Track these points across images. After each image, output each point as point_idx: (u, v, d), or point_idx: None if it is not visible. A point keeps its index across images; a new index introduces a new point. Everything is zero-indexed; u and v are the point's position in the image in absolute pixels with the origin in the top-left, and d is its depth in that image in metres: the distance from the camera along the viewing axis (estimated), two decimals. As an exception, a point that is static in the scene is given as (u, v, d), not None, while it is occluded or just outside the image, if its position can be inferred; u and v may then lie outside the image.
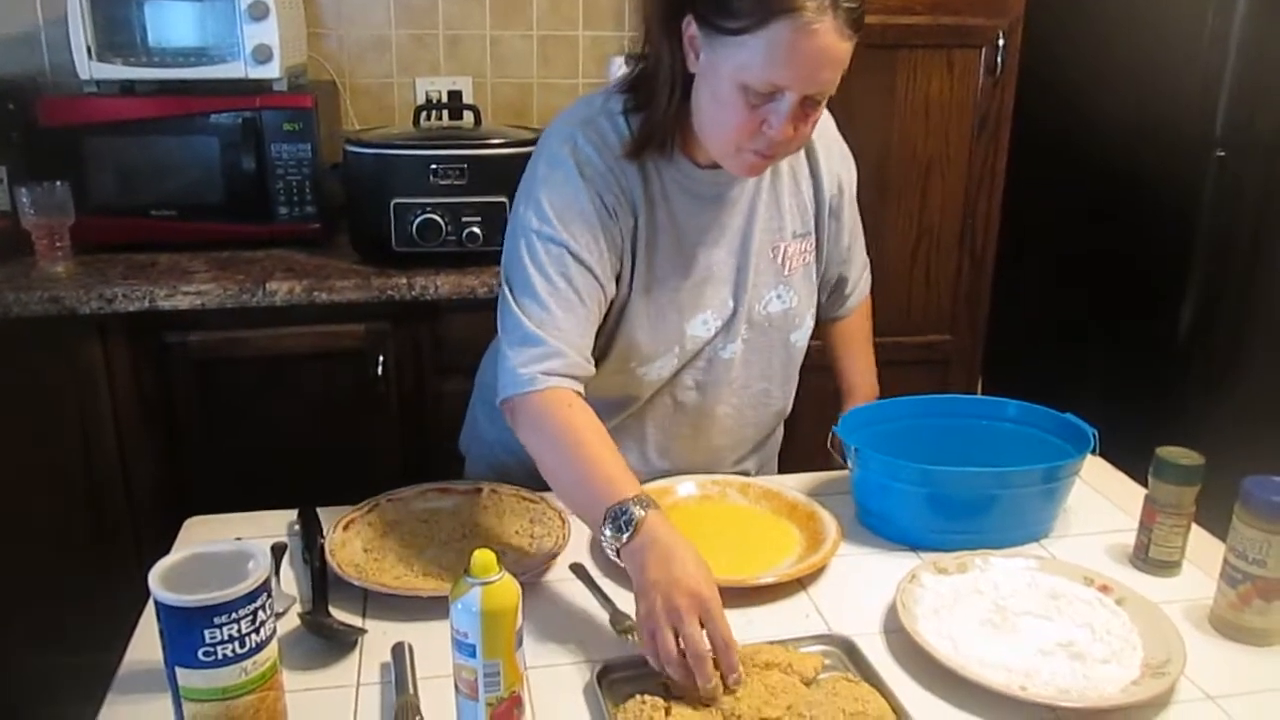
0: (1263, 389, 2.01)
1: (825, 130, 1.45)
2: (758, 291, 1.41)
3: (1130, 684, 1.04)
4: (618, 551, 1.10)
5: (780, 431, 1.62)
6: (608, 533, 1.10)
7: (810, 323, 1.50)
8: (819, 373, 1.62)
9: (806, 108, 1.19)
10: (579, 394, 1.25)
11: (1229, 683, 1.07)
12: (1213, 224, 1.92)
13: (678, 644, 1.01)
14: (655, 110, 1.27)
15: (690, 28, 1.20)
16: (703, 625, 1.01)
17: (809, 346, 1.52)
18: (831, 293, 1.61)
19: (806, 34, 1.11)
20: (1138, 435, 1.39)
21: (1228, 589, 1.14)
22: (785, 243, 1.42)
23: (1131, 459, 1.34)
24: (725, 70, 1.17)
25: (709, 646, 1.00)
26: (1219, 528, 1.17)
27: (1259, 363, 2.01)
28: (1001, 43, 2.13)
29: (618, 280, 1.34)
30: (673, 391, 1.44)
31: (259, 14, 2.13)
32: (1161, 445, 1.26)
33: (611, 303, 1.35)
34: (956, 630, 1.12)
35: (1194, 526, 1.28)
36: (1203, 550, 1.28)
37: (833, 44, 1.13)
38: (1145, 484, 1.27)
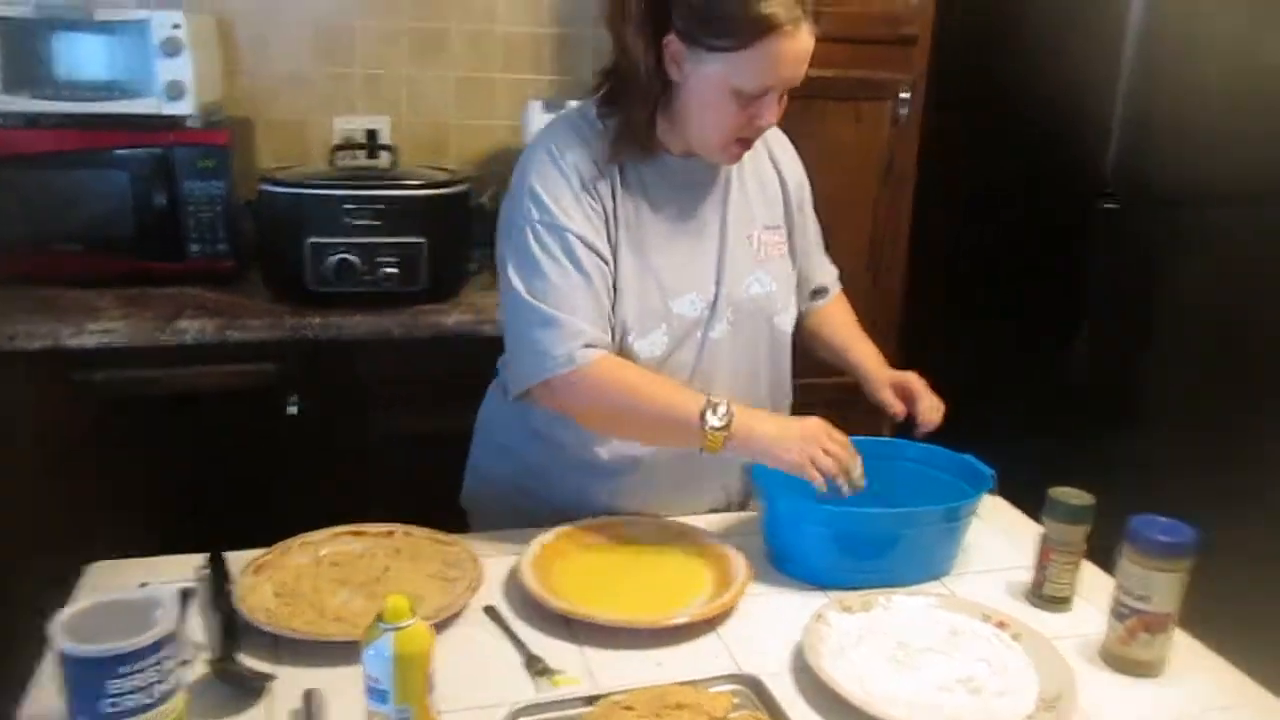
0: (1153, 430, 2.10)
1: (779, 138, 1.61)
2: (737, 275, 1.50)
3: (1025, 717, 1.08)
4: (726, 439, 1.32)
5: None
6: (714, 423, 1.32)
7: (793, 310, 1.59)
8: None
9: (783, 95, 1.38)
10: (611, 356, 1.38)
11: (1118, 714, 1.12)
12: (1105, 272, 2.01)
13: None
14: (633, 115, 1.40)
15: (672, 45, 1.34)
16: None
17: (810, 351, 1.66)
18: (811, 298, 1.69)
19: (789, 41, 1.30)
20: (1036, 475, 1.45)
21: (1116, 623, 1.20)
22: (758, 231, 1.53)
23: (1031, 498, 1.40)
24: (717, 78, 1.33)
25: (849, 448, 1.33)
26: (1114, 564, 1.22)
27: (1151, 406, 2.10)
28: (906, 95, 2.22)
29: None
30: (674, 375, 1.48)
31: (172, 50, 2.11)
32: (1056, 485, 1.32)
33: None
34: (861, 668, 1.15)
35: (1087, 563, 1.33)
36: (1095, 586, 1.33)
37: (807, 44, 1.32)
38: (1041, 522, 1.33)
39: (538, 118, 2.39)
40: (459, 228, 2.24)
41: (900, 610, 1.26)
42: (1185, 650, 1.24)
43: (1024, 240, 2.22)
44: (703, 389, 1.47)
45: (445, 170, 2.34)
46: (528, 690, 1.11)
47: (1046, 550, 1.31)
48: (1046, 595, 1.32)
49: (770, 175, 1.57)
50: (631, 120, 1.40)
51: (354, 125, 2.60)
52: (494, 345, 2.11)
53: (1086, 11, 1.99)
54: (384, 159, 2.39)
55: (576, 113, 1.47)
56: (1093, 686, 1.15)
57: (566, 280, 1.37)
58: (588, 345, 1.35)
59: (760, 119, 1.36)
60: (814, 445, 1.31)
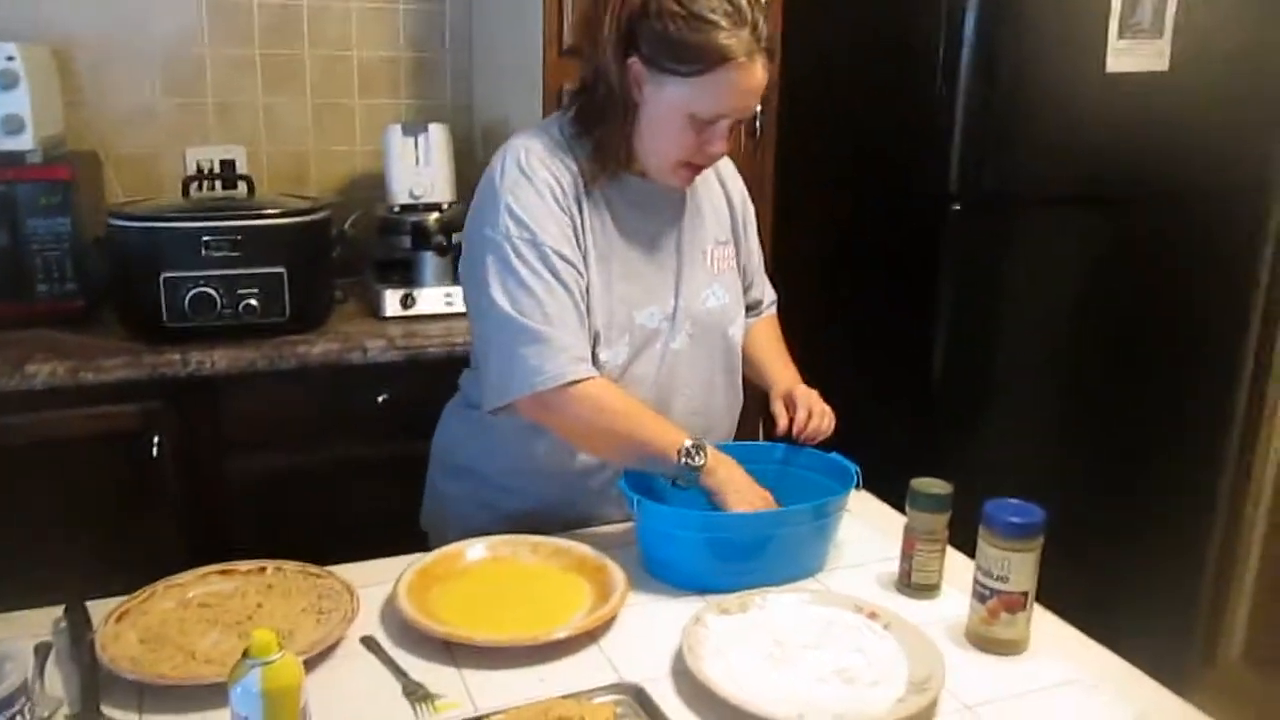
0: (1004, 419, 2.20)
1: (724, 160, 1.66)
2: (695, 288, 1.57)
3: (896, 702, 1.11)
4: (698, 477, 1.39)
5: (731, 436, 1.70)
6: (689, 462, 1.38)
7: (742, 321, 1.67)
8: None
9: (735, 125, 1.45)
10: (600, 376, 1.44)
11: (985, 692, 1.16)
12: (953, 270, 2.10)
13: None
14: (610, 133, 1.45)
15: (635, 66, 1.40)
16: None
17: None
18: (746, 314, 1.73)
19: (743, 73, 1.36)
20: (899, 468, 1.50)
21: (978, 605, 1.25)
22: (710, 246, 1.61)
23: (897, 491, 1.45)
24: (673, 102, 1.39)
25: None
26: (973, 548, 1.27)
27: (1001, 396, 2.20)
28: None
29: None
30: (637, 386, 1.52)
31: (8, 83, 2.03)
32: (918, 476, 1.37)
33: None
34: (739, 667, 1.17)
35: (952, 550, 1.39)
36: (959, 572, 1.38)
37: (760, 76, 1.39)
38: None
39: (398, 141, 2.38)
40: (321, 256, 2.20)
41: (776, 608, 1.28)
42: (1047, 628, 1.30)
43: (881, 243, 2.30)
44: (663, 399, 1.54)
45: (305, 198, 2.30)
46: (409, 718, 1.10)
47: (911, 540, 1.36)
48: (915, 584, 1.37)
49: (719, 193, 1.65)
50: (609, 140, 1.46)
51: (208, 155, 2.54)
52: (363, 374, 2.10)
53: (924, 19, 2.08)
54: (241, 189, 2.34)
55: (543, 128, 1.52)
56: (961, 667, 1.20)
57: (552, 295, 1.41)
58: (576, 360, 1.40)
59: (711, 145, 1.42)
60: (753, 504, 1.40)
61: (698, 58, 1.35)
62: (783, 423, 1.57)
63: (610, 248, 1.50)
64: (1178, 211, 2.26)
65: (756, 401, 1.72)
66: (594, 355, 1.48)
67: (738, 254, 1.67)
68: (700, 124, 1.40)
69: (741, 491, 1.40)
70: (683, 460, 1.38)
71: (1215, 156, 2.26)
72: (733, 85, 1.36)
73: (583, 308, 1.45)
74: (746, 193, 1.72)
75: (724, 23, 1.33)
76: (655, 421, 1.44)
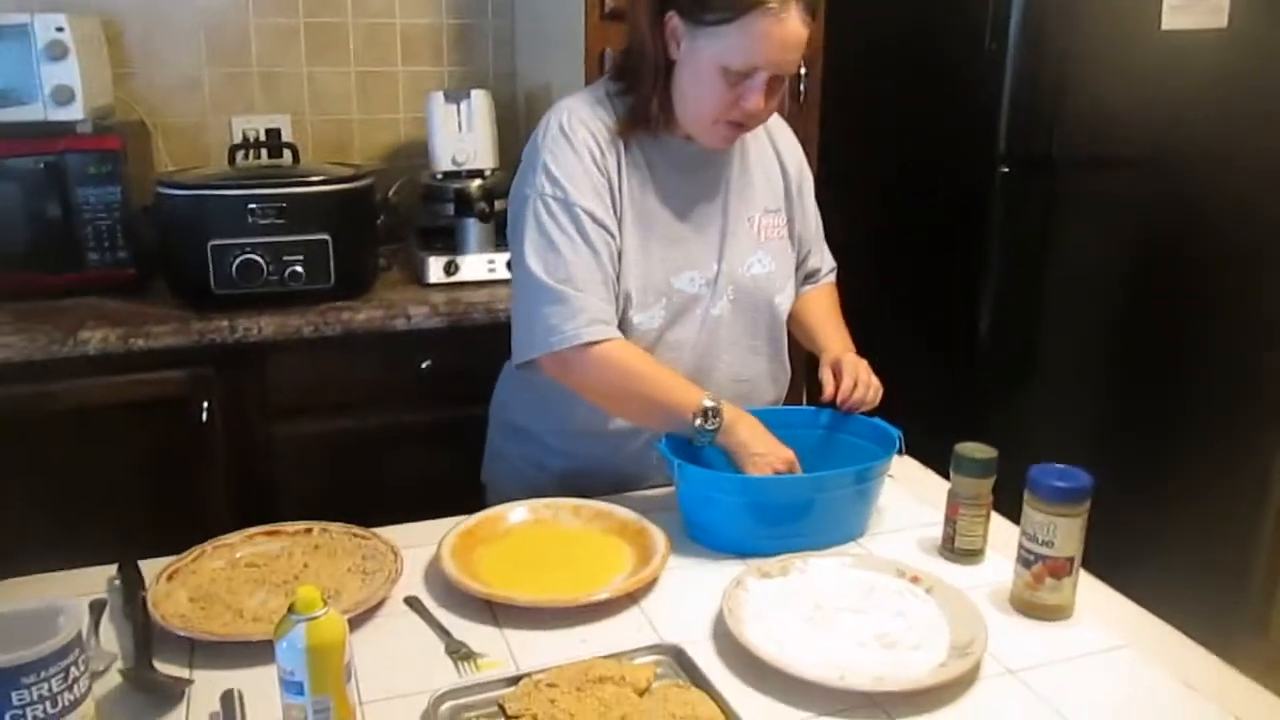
0: (1051, 384, 2.17)
1: (781, 126, 1.68)
2: (739, 255, 1.57)
3: (938, 666, 1.11)
4: (712, 437, 1.40)
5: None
6: (703, 425, 1.39)
7: (791, 290, 1.66)
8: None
9: (774, 84, 1.42)
10: (621, 337, 1.45)
11: (1028, 657, 1.15)
12: (1001, 234, 2.07)
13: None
14: (642, 94, 1.47)
15: (672, 20, 1.42)
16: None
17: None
18: (801, 283, 1.73)
19: (776, 22, 1.35)
20: (942, 433, 1.48)
21: (1023, 570, 1.23)
22: (759, 214, 1.60)
23: (940, 456, 1.43)
24: (706, 55, 1.39)
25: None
26: (1018, 514, 1.26)
27: (1048, 361, 2.16)
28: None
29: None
30: (669, 350, 1.53)
31: (57, 54, 2.05)
32: (962, 441, 1.35)
33: None
34: (779, 630, 1.17)
35: (994, 515, 1.37)
36: (1003, 537, 1.36)
37: (796, 29, 1.37)
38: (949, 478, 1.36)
39: (441, 108, 2.38)
40: (365, 223, 2.22)
41: (817, 572, 1.28)
42: (1092, 592, 1.28)
43: (928, 207, 2.27)
44: (703, 365, 1.56)
45: (349, 166, 2.31)
46: (451, 677, 1.11)
47: (955, 505, 1.35)
48: (958, 549, 1.36)
49: (771, 160, 1.64)
50: (641, 98, 1.47)
51: (253, 125, 2.56)
52: (406, 340, 2.12)
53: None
54: (286, 158, 2.35)
55: (590, 89, 1.55)
56: (1004, 632, 1.19)
57: (577, 255, 1.43)
58: (594, 322, 1.41)
59: (746, 101, 1.40)
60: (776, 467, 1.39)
61: (729, 3, 1.35)
62: (829, 390, 1.55)
63: (650, 210, 1.50)
64: (1234, 173, 2.20)
65: (805, 368, 1.71)
66: (627, 318, 1.49)
67: (790, 223, 1.65)
68: (735, 77, 1.39)
69: (763, 454, 1.39)
70: (697, 421, 1.39)
71: (1275, 117, 2.20)
72: (765, 34, 1.35)
73: (611, 269, 1.45)
74: (805, 161, 1.70)
75: None
76: (673, 381, 1.44)
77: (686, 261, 1.53)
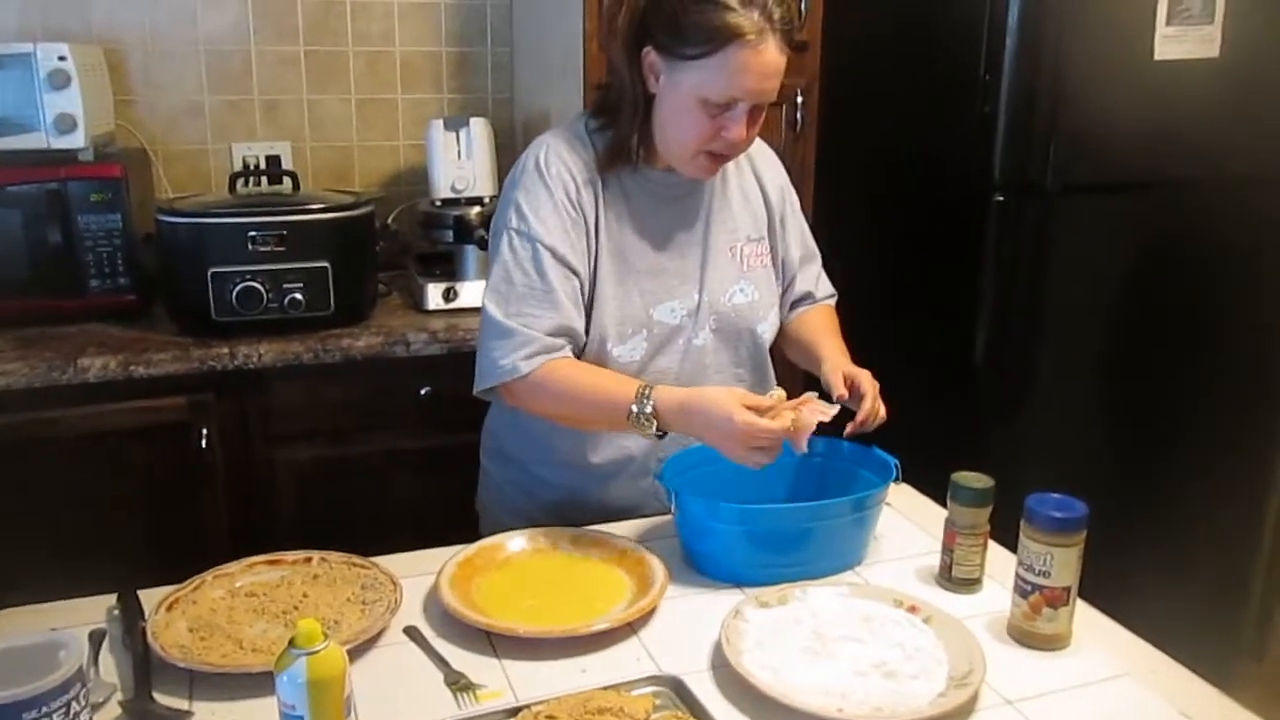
0: (1047, 411, 2.17)
1: (762, 149, 1.68)
2: (721, 285, 1.57)
3: (937, 696, 1.11)
4: (661, 435, 1.40)
5: None
6: (642, 426, 1.38)
7: (775, 319, 1.66)
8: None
9: (754, 113, 1.43)
10: (561, 357, 1.45)
11: (1026, 687, 1.15)
12: (997, 261, 2.08)
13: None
14: (622, 128, 1.48)
15: (650, 55, 1.42)
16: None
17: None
18: (794, 306, 1.73)
19: (754, 53, 1.36)
20: (939, 461, 1.49)
21: (1020, 600, 1.24)
22: (741, 244, 1.60)
23: (937, 484, 1.44)
24: (685, 88, 1.40)
25: (776, 426, 1.32)
26: (1015, 541, 1.26)
27: (1044, 388, 2.17)
28: (800, 99, 2.26)
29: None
30: (660, 381, 1.51)
31: (60, 83, 2.07)
32: (959, 470, 1.36)
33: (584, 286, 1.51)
34: (778, 660, 1.17)
35: (993, 544, 1.38)
36: (1001, 566, 1.37)
37: (774, 59, 1.38)
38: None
39: (440, 136, 2.39)
40: (365, 250, 2.23)
41: (815, 601, 1.28)
42: (1090, 623, 1.29)
43: (923, 234, 2.29)
44: None
45: (349, 193, 2.32)
46: (451, 708, 1.11)
47: (952, 534, 1.35)
48: (956, 578, 1.36)
49: (753, 187, 1.64)
50: (620, 134, 1.48)
51: (254, 152, 2.58)
52: (406, 366, 2.13)
53: (967, 6, 2.06)
54: (286, 185, 2.37)
55: (568, 125, 1.55)
56: (1002, 662, 1.19)
57: (530, 288, 1.45)
58: (535, 354, 1.43)
59: (728, 132, 1.41)
60: (746, 444, 1.33)
61: (706, 38, 1.35)
62: (843, 393, 1.50)
63: (628, 244, 1.52)
64: (1227, 201, 2.22)
65: (800, 388, 1.70)
66: (607, 352, 1.50)
67: (774, 250, 1.66)
68: (715, 109, 1.40)
69: (728, 437, 1.34)
70: (634, 412, 1.38)
71: (1267, 145, 2.22)
72: (743, 65, 1.36)
73: (568, 304, 1.46)
74: (788, 185, 1.70)
75: (732, 2, 1.34)
76: (614, 381, 1.44)
77: (666, 293, 1.54)
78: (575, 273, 1.48)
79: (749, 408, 1.34)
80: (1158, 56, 2.06)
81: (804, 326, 1.71)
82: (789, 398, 1.39)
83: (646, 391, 1.39)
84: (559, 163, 1.48)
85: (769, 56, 1.37)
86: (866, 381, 1.53)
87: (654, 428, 1.39)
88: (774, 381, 1.68)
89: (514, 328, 1.43)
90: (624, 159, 1.50)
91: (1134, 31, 2.04)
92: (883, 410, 1.52)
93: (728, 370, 1.61)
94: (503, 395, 1.48)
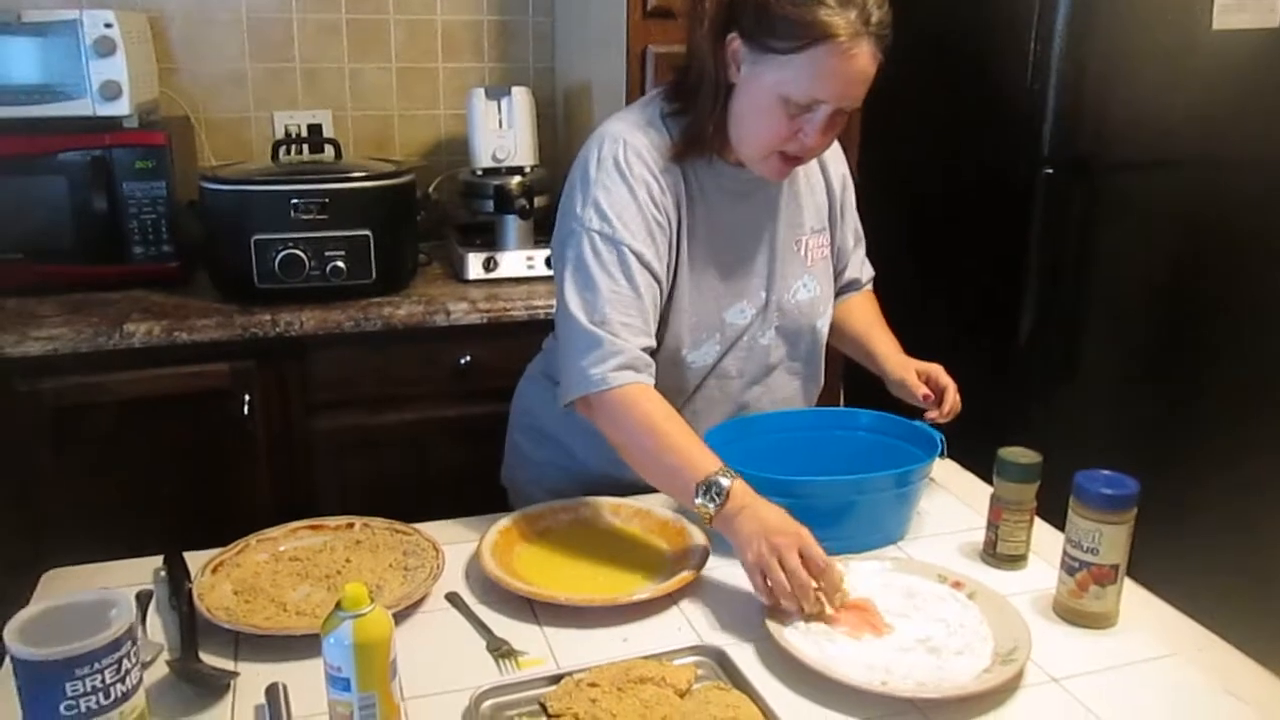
0: (1094, 387, 2.14)
1: None
2: (786, 282, 1.53)
3: (982, 672, 1.10)
4: (710, 519, 1.25)
5: None
6: (699, 502, 1.24)
7: (830, 312, 1.62)
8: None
9: (836, 118, 1.35)
10: (648, 384, 1.36)
11: (1071, 665, 1.14)
12: (1044, 236, 2.04)
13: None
14: (699, 116, 1.40)
15: (734, 43, 1.34)
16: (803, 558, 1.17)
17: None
18: (840, 291, 1.70)
19: (845, 56, 1.27)
20: (985, 436, 1.47)
21: (1067, 577, 1.22)
22: (806, 236, 1.55)
23: (982, 460, 1.42)
24: (768, 83, 1.32)
25: (809, 577, 1.16)
26: (1063, 521, 1.25)
27: (1091, 364, 2.14)
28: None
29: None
30: (720, 380, 1.52)
31: (105, 50, 2.07)
32: (1005, 446, 1.34)
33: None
34: (821, 634, 1.16)
35: (1038, 520, 1.36)
36: (1046, 543, 1.36)
37: (865, 65, 1.29)
38: (991, 482, 1.35)
39: (481, 105, 2.38)
40: (406, 219, 2.23)
41: (858, 575, 1.27)
42: (1137, 601, 1.27)
43: (969, 209, 2.25)
44: (749, 392, 1.53)
45: (390, 162, 2.32)
46: (492, 674, 1.12)
47: (997, 510, 1.34)
48: (1000, 554, 1.35)
49: (817, 176, 1.59)
50: (698, 121, 1.40)
51: (296, 120, 2.58)
52: (446, 336, 2.13)
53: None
54: (328, 153, 2.37)
55: (641, 108, 1.47)
56: (1047, 640, 1.18)
57: (617, 294, 1.36)
58: (623, 367, 1.34)
59: (805, 135, 1.34)
60: (773, 557, 1.18)
61: (797, 33, 1.27)
62: (927, 394, 1.53)
63: (703, 244, 1.46)
64: (1282, 180, 2.17)
65: (842, 377, 1.69)
66: (681, 358, 1.47)
67: (832, 240, 1.62)
68: (795, 109, 1.32)
69: (750, 538, 1.20)
70: (706, 486, 1.25)
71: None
72: (831, 68, 1.28)
73: (652, 311, 1.40)
74: (848, 172, 1.65)
75: None
76: (696, 445, 1.30)
77: (737, 293, 1.50)
78: (658, 280, 1.40)
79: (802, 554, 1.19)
80: (1216, 26, 2.01)
81: (851, 317, 1.69)
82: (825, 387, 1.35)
83: (727, 471, 1.26)
84: (639, 163, 1.40)
85: (860, 62, 1.28)
86: (944, 376, 1.54)
87: (717, 505, 1.23)
88: (823, 378, 1.65)
89: (602, 336, 1.34)
90: (699, 149, 1.43)
91: (1191, 0, 1.99)
92: (959, 402, 1.52)
93: (783, 365, 1.58)
94: (579, 408, 1.39)
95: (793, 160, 1.39)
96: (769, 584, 1.18)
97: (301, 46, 2.58)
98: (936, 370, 1.56)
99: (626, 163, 1.40)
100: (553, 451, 1.63)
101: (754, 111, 1.36)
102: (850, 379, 2.20)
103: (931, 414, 1.52)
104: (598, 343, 1.35)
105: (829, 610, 1.18)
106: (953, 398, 1.53)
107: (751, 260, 1.51)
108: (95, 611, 0.88)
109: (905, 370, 1.57)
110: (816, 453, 1.49)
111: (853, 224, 1.69)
